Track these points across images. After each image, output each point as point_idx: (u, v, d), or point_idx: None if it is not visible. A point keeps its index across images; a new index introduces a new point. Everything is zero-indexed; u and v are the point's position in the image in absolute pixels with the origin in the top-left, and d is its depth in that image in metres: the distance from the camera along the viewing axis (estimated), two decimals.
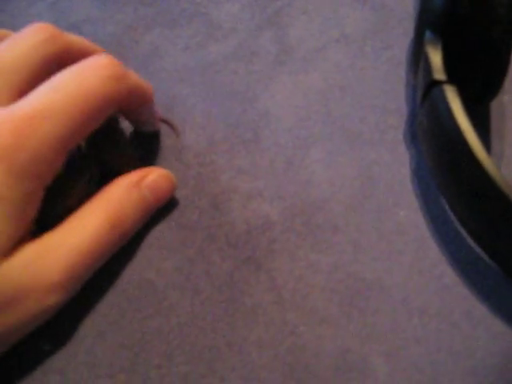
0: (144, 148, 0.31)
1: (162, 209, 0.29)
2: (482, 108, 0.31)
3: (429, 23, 0.28)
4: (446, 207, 0.28)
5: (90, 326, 0.27)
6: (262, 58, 0.34)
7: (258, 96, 0.32)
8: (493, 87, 0.29)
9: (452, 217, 0.28)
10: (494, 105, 0.31)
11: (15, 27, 0.34)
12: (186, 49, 0.34)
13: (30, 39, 0.26)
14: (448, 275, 0.27)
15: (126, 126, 0.31)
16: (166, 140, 0.31)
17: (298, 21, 0.35)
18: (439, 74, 0.27)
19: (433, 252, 0.27)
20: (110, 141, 0.28)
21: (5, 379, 0.26)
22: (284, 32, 0.35)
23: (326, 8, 0.35)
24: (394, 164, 0.30)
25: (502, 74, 0.28)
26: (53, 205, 0.25)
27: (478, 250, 0.27)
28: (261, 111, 0.32)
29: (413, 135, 0.30)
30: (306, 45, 0.34)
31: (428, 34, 0.28)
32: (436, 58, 0.27)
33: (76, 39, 0.28)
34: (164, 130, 0.31)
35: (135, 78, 0.27)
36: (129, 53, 0.35)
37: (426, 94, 0.27)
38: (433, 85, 0.27)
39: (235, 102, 0.32)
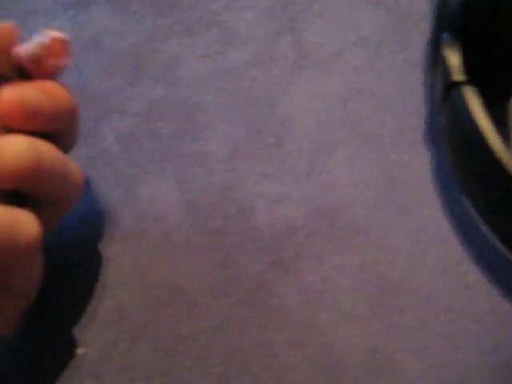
0: (164, 151, 0.32)
1: (189, 214, 0.30)
2: (501, 106, 0.31)
3: (446, 24, 0.29)
4: (469, 206, 0.29)
5: (124, 331, 0.28)
6: (280, 63, 0.35)
7: (279, 101, 0.33)
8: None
9: (475, 215, 0.29)
10: None
11: None
12: (206, 56, 0.35)
13: None
14: (472, 273, 0.27)
15: None
16: (191, 146, 0.32)
17: (315, 25, 0.36)
18: (458, 75, 0.28)
19: (456, 250, 0.28)
20: None
21: None
22: (301, 37, 0.35)
23: (342, 12, 0.36)
24: (415, 164, 0.31)
25: None
26: None
27: (501, 247, 0.28)
28: (282, 116, 0.33)
29: (432, 136, 0.31)
30: (323, 49, 0.35)
31: (445, 36, 0.29)
32: (454, 59, 0.28)
33: None
34: (188, 135, 0.32)
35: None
36: (149, 62, 0.36)
37: (445, 95, 0.28)
38: (452, 86, 0.28)
39: (256, 108, 0.33)
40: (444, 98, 0.28)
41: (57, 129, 0.26)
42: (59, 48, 0.27)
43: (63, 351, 0.27)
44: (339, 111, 0.32)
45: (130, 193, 0.31)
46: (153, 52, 0.36)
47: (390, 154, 0.31)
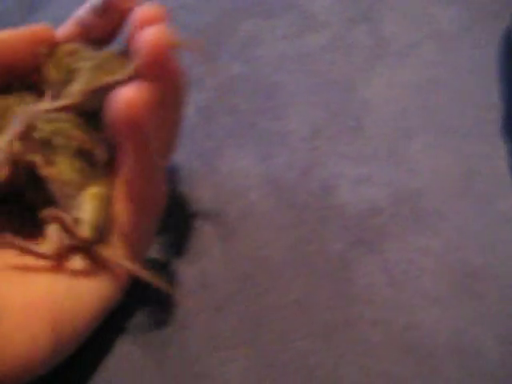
0: (244, 127, 0.32)
1: (272, 189, 0.30)
2: None
3: None
4: None
5: (207, 301, 0.27)
6: (358, 50, 0.35)
7: (357, 86, 0.34)
8: None
9: None
10: None
11: None
12: (284, 38, 0.36)
13: None
14: None
15: None
16: (272, 123, 0.32)
17: (391, 17, 0.36)
18: None
19: None
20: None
21: (128, 351, 0.26)
22: (377, 27, 0.36)
23: (417, 5, 0.37)
24: (493, 157, 0.31)
25: None
26: None
27: None
28: (361, 101, 0.33)
29: (510, 130, 0.32)
30: (399, 40, 0.35)
31: None
32: None
33: None
34: (268, 113, 0.32)
35: None
36: (227, 40, 0.36)
37: None
38: None
39: (335, 91, 0.33)
40: None
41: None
42: None
43: (146, 318, 0.27)
44: (417, 101, 0.33)
45: (209, 165, 0.31)
46: (230, 30, 0.36)
47: (467, 145, 0.31)
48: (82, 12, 0.27)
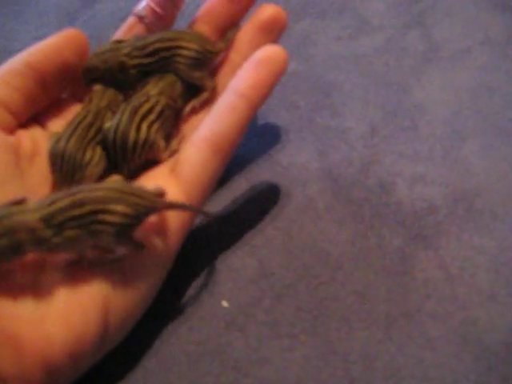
0: (303, 123, 0.33)
1: (330, 184, 0.31)
2: None
3: None
4: None
5: (268, 288, 0.28)
6: (410, 53, 0.36)
7: (412, 88, 0.35)
8: None
9: None
10: None
11: None
12: (338, 39, 0.37)
13: None
14: None
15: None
16: (330, 120, 0.33)
17: (442, 22, 0.38)
18: None
19: None
20: None
21: (189, 336, 0.27)
22: (429, 32, 0.37)
23: (468, 12, 0.38)
24: None
25: None
26: None
27: None
28: (415, 102, 0.34)
29: None
30: (451, 45, 0.37)
31: None
32: None
33: None
34: (326, 110, 0.33)
35: None
36: (282, 38, 0.37)
37: None
38: None
39: (390, 92, 0.34)
40: None
41: None
42: None
43: (209, 303, 0.28)
44: (470, 104, 0.34)
45: (270, 158, 0.32)
46: (286, 29, 0.37)
47: None
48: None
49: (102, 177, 0.27)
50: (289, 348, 0.27)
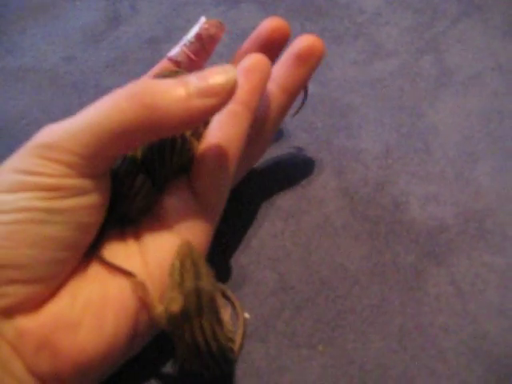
0: (320, 143, 0.36)
1: (347, 202, 0.34)
2: None
3: None
4: None
5: (288, 301, 0.31)
6: (424, 78, 0.39)
7: (425, 112, 0.38)
8: None
9: None
10: None
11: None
12: (354, 63, 0.40)
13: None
14: None
15: None
16: (346, 141, 0.36)
17: (454, 48, 0.41)
18: None
19: None
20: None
21: None
22: (442, 57, 0.40)
23: (479, 39, 0.41)
24: None
25: None
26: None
27: None
28: (428, 125, 0.37)
29: None
30: (463, 70, 0.40)
31: None
32: None
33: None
34: (342, 132, 0.36)
35: None
36: None
37: None
38: None
39: (404, 115, 0.37)
40: None
41: None
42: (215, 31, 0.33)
43: (232, 314, 0.30)
44: (481, 128, 0.37)
45: (289, 176, 0.35)
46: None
47: None
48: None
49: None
50: (307, 357, 0.29)
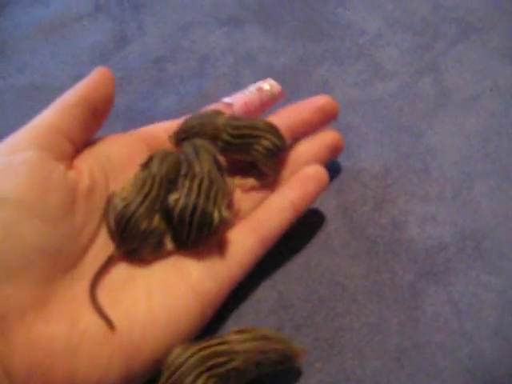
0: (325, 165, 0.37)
1: (347, 222, 0.34)
2: None
3: None
4: None
5: (287, 319, 0.32)
6: (423, 99, 0.40)
7: (424, 132, 0.38)
8: None
9: None
10: None
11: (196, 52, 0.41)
12: (355, 84, 0.41)
13: None
14: None
15: None
16: (346, 161, 0.37)
17: (453, 69, 0.42)
18: None
19: None
20: None
21: None
22: (441, 78, 0.41)
23: (478, 60, 0.42)
24: None
25: None
26: None
27: None
28: (427, 146, 0.38)
29: None
30: (462, 91, 0.40)
31: None
32: None
33: None
34: (342, 152, 0.37)
35: None
36: (302, 83, 0.41)
37: None
38: None
39: (404, 135, 0.38)
40: None
41: None
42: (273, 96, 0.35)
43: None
44: (479, 148, 0.38)
45: None
46: (305, 74, 0.41)
47: None
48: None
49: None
50: (305, 375, 0.30)
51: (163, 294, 0.29)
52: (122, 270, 0.29)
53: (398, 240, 0.34)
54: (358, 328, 0.31)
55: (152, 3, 0.47)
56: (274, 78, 0.41)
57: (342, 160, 0.37)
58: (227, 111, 0.34)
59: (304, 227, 0.35)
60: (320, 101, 0.35)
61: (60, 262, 0.27)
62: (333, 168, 0.37)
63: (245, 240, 0.31)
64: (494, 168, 0.37)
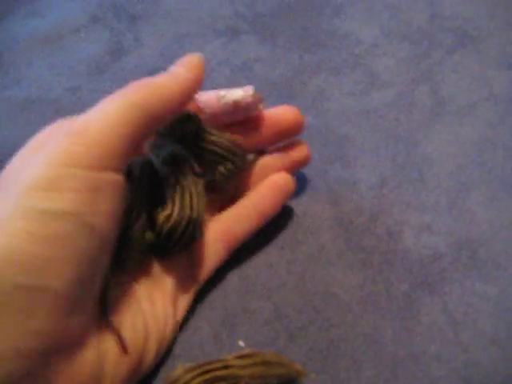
0: (317, 174, 0.37)
1: (342, 232, 0.35)
2: None
3: None
4: None
5: (282, 329, 0.32)
6: (419, 108, 0.40)
7: (420, 142, 0.39)
8: None
9: None
10: None
11: None
12: (351, 94, 0.41)
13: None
14: None
15: None
16: (342, 172, 0.37)
17: (449, 78, 0.42)
18: None
19: None
20: None
21: None
22: (437, 87, 0.41)
23: (474, 69, 0.42)
24: None
25: None
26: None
27: None
28: (423, 155, 0.38)
29: None
30: (458, 100, 0.41)
31: None
32: None
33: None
34: (338, 162, 0.37)
35: None
36: (298, 93, 0.41)
37: None
38: None
39: (400, 145, 0.38)
40: None
41: None
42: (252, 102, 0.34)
43: (228, 343, 0.31)
44: (475, 157, 0.38)
45: (285, 206, 0.36)
46: (301, 84, 0.42)
47: None
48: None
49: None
50: None
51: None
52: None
53: (393, 250, 0.34)
54: (353, 338, 0.32)
55: (148, 15, 0.47)
56: (271, 89, 0.41)
57: (338, 170, 0.37)
58: (201, 114, 0.33)
59: (300, 238, 0.35)
60: (288, 114, 0.35)
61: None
62: (328, 178, 0.37)
63: (216, 245, 0.33)
64: (490, 177, 0.37)
